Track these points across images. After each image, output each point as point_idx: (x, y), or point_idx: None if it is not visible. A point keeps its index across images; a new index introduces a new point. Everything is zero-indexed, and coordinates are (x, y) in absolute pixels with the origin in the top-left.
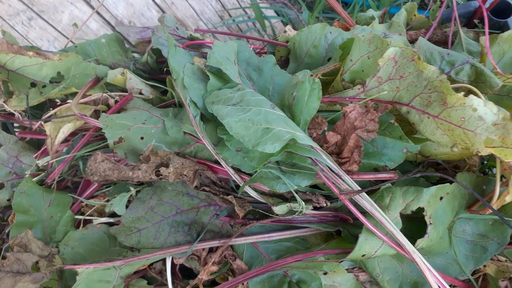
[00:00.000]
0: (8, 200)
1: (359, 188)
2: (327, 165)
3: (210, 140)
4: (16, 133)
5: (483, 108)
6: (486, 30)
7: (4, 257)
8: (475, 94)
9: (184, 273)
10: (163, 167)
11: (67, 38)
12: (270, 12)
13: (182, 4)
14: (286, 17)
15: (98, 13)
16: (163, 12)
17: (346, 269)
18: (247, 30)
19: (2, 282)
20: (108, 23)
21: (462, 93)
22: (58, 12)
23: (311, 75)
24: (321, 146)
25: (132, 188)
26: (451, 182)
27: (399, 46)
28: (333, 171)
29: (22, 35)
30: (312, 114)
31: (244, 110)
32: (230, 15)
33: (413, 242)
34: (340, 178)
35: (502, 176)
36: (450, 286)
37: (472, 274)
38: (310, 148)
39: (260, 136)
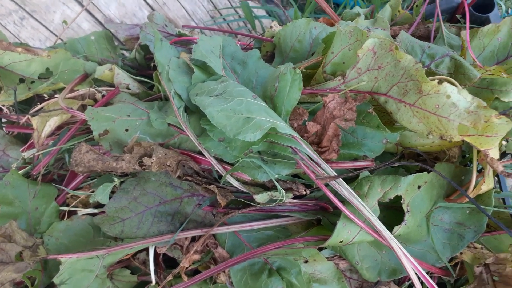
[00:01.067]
0: None
1: (336, 175)
2: (307, 154)
3: (194, 131)
4: (4, 128)
5: (456, 95)
6: (467, 24)
7: None
8: (453, 85)
9: (168, 264)
10: (146, 157)
11: (57, 37)
12: (261, 12)
13: (174, 5)
14: (277, 17)
15: (90, 13)
16: (154, 11)
17: (326, 258)
18: (238, 29)
19: None
20: (100, 23)
21: (437, 80)
22: (50, 12)
23: (293, 67)
24: (302, 136)
25: (116, 179)
26: (429, 172)
27: (378, 37)
28: (312, 160)
29: (14, 35)
30: (293, 105)
31: (226, 101)
32: (221, 15)
33: (391, 230)
34: (320, 166)
35: (481, 169)
36: (427, 273)
37: (449, 261)
38: (291, 137)
39: (241, 125)
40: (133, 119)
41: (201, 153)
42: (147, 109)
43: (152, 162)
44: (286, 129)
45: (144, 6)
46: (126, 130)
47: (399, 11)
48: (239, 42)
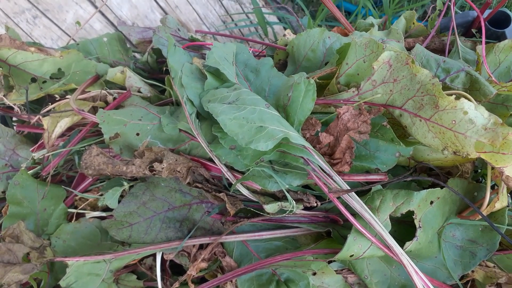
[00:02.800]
0: (3, 192)
1: (348, 188)
2: (319, 165)
3: (205, 138)
4: (14, 127)
5: (473, 112)
6: (483, 39)
7: None
8: (469, 101)
9: (174, 270)
10: (156, 163)
11: (71, 37)
12: (272, 18)
13: (186, 8)
14: (288, 23)
15: (102, 13)
16: (167, 15)
17: (335, 271)
18: (249, 35)
19: None
20: (112, 23)
21: (454, 96)
22: (63, 12)
23: (307, 77)
24: (314, 147)
25: (125, 183)
26: (442, 187)
27: (394, 50)
28: (324, 171)
29: (26, 33)
30: (306, 115)
31: (239, 109)
32: (233, 20)
33: (402, 245)
34: (331, 178)
35: (494, 185)
36: None
37: (460, 279)
38: (303, 147)
39: (253, 134)
40: (145, 123)
41: (211, 160)
42: (159, 113)
43: (163, 168)
44: (298, 139)
45: (156, 9)
46: (137, 134)
47: (413, 23)
48: (251, 49)
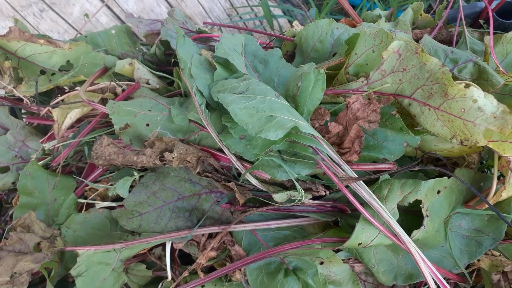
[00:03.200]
0: (13, 183)
1: (357, 176)
2: (327, 155)
3: (214, 128)
4: (24, 118)
5: (483, 100)
6: (491, 30)
7: (6, 238)
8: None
9: (183, 259)
10: (167, 153)
11: (77, 31)
12: (277, 12)
13: (191, 1)
14: (293, 16)
15: (108, 7)
16: (174, 7)
17: (342, 260)
18: (254, 28)
19: (4, 261)
20: (118, 17)
21: (463, 84)
22: (69, 5)
23: (316, 67)
24: (323, 136)
25: (135, 173)
26: (449, 177)
27: (403, 39)
28: (333, 161)
29: (33, 26)
30: (316, 105)
31: (249, 98)
32: (238, 13)
33: (409, 234)
34: (340, 167)
35: (500, 175)
36: (444, 278)
37: (466, 268)
38: (312, 137)
39: (263, 123)
40: (154, 114)
41: (221, 150)
42: (168, 104)
43: (173, 158)
44: (308, 128)
45: (161, 2)
46: (147, 124)
47: (421, 14)
48: (259, 41)
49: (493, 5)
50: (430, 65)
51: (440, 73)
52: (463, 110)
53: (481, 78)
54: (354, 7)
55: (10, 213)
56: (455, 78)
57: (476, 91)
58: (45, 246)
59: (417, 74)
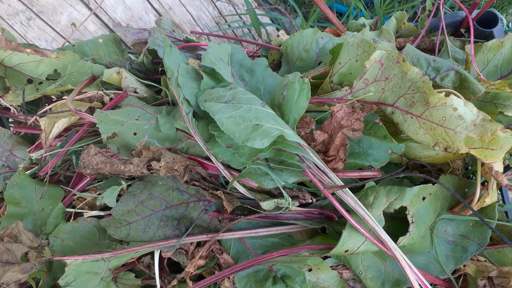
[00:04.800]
0: (1, 192)
1: (343, 184)
2: (313, 162)
3: (202, 137)
4: (11, 128)
5: (463, 108)
6: (472, 38)
7: None
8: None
9: (172, 267)
10: (154, 161)
11: (65, 39)
12: (265, 20)
13: (179, 10)
14: (281, 24)
15: (96, 15)
16: (162, 16)
17: (330, 267)
18: (242, 36)
19: None
20: (106, 25)
21: (444, 93)
22: (57, 13)
23: (301, 77)
24: (309, 144)
25: (123, 182)
26: (434, 183)
27: (385, 49)
28: (319, 168)
29: (20, 35)
30: (301, 113)
31: (235, 107)
32: (226, 21)
33: (395, 240)
34: (326, 175)
35: (484, 181)
36: (431, 284)
37: (453, 274)
38: (298, 145)
39: (250, 132)
40: (142, 123)
41: (208, 159)
42: (155, 113)
43: (161, 166)
44: (293, 137)
45: (150, 10)
46: (135, 133)
47: (404, 23)
48: (246, 50)
49: (474, 14)
50: (412, 74)
51: (421, 82)
52: (444, 118)
53: (462, 86)
54: (341, 14)
55: None
56: (438, 86)
57: (456, 100)
58: (32, 256)
59: (399, 83)
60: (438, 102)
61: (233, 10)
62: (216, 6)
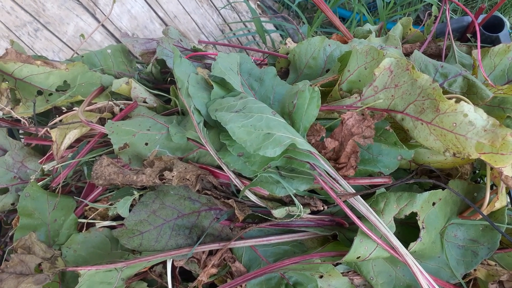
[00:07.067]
0: (12, 204)
1: (355, 192)
2: (324, 170)
3: (213, 146)
4: (22, 139)
5: (473, 114)
6: (478, 44)
7: (7, 260)
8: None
9: (184, 276)
10: (166, 171)
11: (72, 49)
12: (269, 26)
13: (184, 18)
14: (285, 31)
15: (102, 25)
16: (166, 25)
17: (341, 273)
18: (247, 43)
19: (6, 283)
20: (112, 35)
21: (454, 99)
22: (63, 24)
23: (311, 85)
24: (319, 152)
25: (135, 192)
26: (443, 189)
27: (394, 56)
28: (330, 176)
29: (28, 46)
30: (311, 121)
31: (246, 117)
32: (231, 29)
33: (406, 246)
34: (337, 182)
35: (493, 185)
36: None
37: (463, 278)
38: (309, 153)
39: (261, 140)
40: (153, 133)
41: (219, 168)
42: (166, 123)
43: (173, 176)
44: (305, 145)
45: (155, 19)
46: (146, 144)
47: (410, 29)
48: (253, 57)
49: (480, 19)
50: (421, 81)
51: (431, 89)
52: (454, 124)
53: (470, 92)
54: (344, 19)
55: (9, 234)
56: (446, 92)
57: (466, 106)
58: (46, 267)
59: (409, 90)
60: (448, 108)
61: (237, 17)
62: (220, 13)
